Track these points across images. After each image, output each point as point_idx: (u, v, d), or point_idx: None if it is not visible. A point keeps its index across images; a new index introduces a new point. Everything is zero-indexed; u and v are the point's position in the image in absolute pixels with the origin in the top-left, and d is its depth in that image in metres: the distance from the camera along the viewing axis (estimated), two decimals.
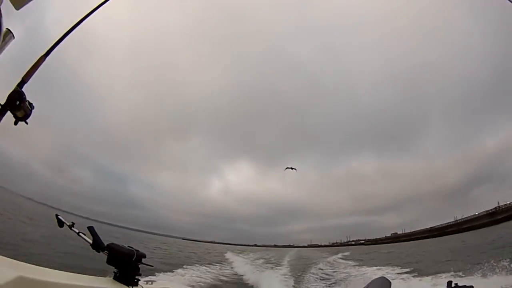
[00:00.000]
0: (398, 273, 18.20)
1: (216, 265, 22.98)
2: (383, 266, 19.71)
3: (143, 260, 3.88)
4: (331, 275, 20.38)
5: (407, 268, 19.85)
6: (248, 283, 17.28)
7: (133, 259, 3.78)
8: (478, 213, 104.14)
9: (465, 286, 3.96)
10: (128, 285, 3.73)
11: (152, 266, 4.14)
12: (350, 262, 28.13)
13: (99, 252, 3.78)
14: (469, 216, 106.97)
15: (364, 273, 18.99)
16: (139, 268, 3.88)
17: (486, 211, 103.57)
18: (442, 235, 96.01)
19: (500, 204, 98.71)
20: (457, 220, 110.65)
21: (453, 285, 4.06)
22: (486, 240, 35.49)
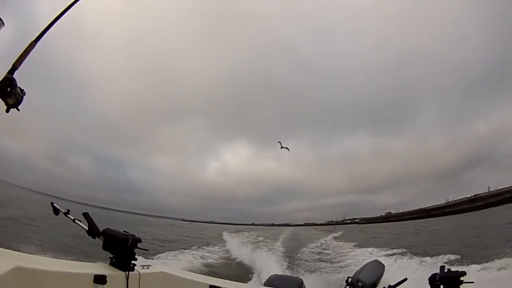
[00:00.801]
0: (390, 255, 17.27)
1: (213, 246, 22.56)
2: (377, 248, 19.10)
3: (139, 244, 3.73)
4: (325, 256, 19.87)
5: (400, 250, 19.14)
6: (242, 262, 16.96)
7: (129, 244, 3.62)
8: (470, 196, 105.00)
9: (457, 271, 3.79)
10: (124, 270, 3.58)
11: (147, 250, 4.04)
12: (343, 243, 27.56)
13: (94, 238, 3.64)
14: (459, 199, 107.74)
15: (357, 254, 18.39)
16: (135, 253, 3.74)
17: (467, 197, 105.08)
18: (428, 217, 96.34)
19: (490, 190, 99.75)
20: (447, 202, 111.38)
21: (445, 270, 3.87)
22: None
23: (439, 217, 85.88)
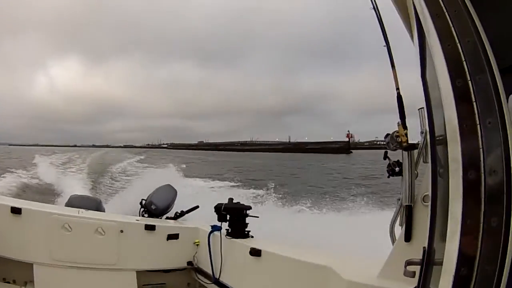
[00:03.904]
0: (185, 178, 17.11)
1: (25, 169, 18.61)
2: (173, 173, 18.10)
3: None
4: (124, 178, 18.27)
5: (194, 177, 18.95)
6: (49, 184, 14.57)
7: None
8: (276, 141, 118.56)
9: (244, 204, 3.49)
10: None
11: None
12: (145, 165, 26.61)
13: None
14: (258, 140, 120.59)
15: (154, 176, 16.84)
16: None
17: (240, 141, 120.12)
18: (216, 150, 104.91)
19: (290, 140, 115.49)
20: (252, 141, 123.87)
21: (233, 202, 3.51)
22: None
23: (222, 151, 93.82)
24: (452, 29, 1.02)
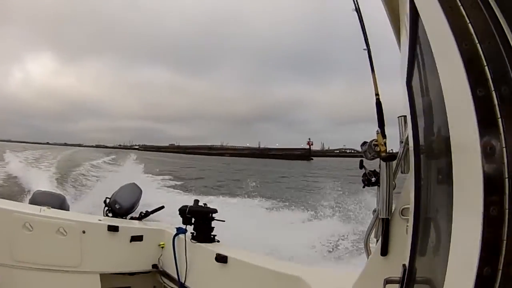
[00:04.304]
0: (152, 181, 16.63)
1: None
2: (141, 173, 17.60)
3: None
4: (92, 176, 17.63)
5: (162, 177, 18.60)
6: (18, 180, 13.82)
7: None
8: (244, 146, 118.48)
9: (209, 207, 3.29)
10: None
11: None
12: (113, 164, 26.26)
13: None
14: (227, 145, 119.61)
15: (118, 175, 16.16)
16: None
17: (208, 145, 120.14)
18: (190, 154, 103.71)
19: (260, 146, 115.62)
20: (221, 145, 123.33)
21: (199, 204, 3.31)
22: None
23: (189, 154, 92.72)
24: (469, 25, 0.73)
